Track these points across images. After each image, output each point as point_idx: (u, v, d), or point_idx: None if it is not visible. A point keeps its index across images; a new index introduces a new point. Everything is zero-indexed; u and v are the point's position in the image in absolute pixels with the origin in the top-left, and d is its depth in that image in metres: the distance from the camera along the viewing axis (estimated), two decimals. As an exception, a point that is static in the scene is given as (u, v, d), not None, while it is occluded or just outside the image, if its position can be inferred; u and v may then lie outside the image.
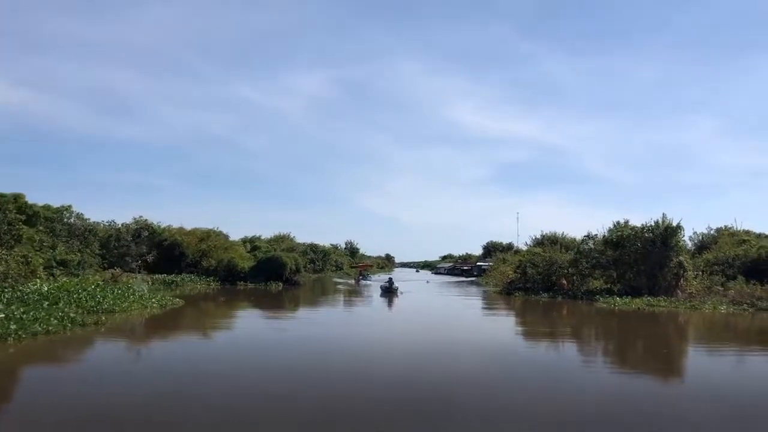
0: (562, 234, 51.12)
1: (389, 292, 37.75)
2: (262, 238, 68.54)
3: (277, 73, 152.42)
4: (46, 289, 21.32)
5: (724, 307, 26.39)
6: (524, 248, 50.90)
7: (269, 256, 46.88)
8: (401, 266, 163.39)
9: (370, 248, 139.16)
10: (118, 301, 21.59)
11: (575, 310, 27.85)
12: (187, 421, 8.05)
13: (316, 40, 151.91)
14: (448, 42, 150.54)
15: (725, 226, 45.24)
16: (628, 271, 32.82)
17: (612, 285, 33.98)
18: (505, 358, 14.32)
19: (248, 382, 10.71)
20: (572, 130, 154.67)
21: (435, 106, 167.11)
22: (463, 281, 67.12)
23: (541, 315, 26.70)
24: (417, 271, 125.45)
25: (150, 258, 43.90)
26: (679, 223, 32.28)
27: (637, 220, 34.11)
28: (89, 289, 23.20)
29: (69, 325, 16.15)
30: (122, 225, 45.74)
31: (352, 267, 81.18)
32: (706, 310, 26.07)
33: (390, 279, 42.47)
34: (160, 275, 40.26)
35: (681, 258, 31.68)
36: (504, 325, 23.84)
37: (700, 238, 45.05)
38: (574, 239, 44.52)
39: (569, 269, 35.97)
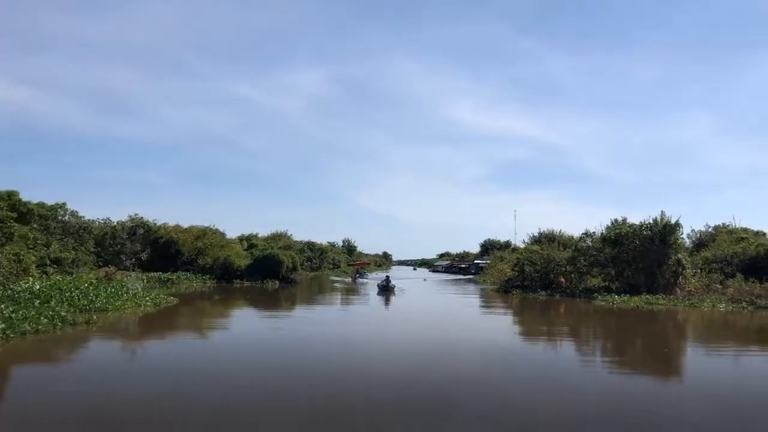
0: (560, 232, 50.93)
1: (386, 290, 37.58)
2: (260, 236, 68.35)
3: (276, 72, 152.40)
4: (37, 287, 21.01)
5: (723, 305, 26.25)
6: (522, 246, 50.77)
7: (266, 254, 46.62)
8: (399, 264, 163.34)
9: (367, 246, 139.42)
10: (111, 300, 21.31)
11: (573, 308, 27.68)
12: (173, 423, 7.82)
13: (316, 39, 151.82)
14: (447, 41, 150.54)
15: (723, 224, 45.18)
16: (627, 268, 32.66)
17: (610, 283, 33.82)
18: (504, 357, 14.14)
19: (242, 382, 10.47)
20: (571, 129, 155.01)
21: (434, 105, 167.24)
22: (460, 279, 66.98)
23: (539, 313, 26.53)
24: (414, 269, 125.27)
25: (144, 256, 43.62)
26: (677, 221, 32.18)
27: (636, 218, 34.04)
28: (82, 287, 22.88)
29: (59, 324, 15.88)
30: (118, 223, 45.48)
31: (349, 265, 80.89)
32: (705, 308, 25.92)
33: (387, 277, 42.24)
34: (155, 273, 39.99)
35: (680, 256, 31.53)
36: (502, 324, 23.65)
37: (698, 235, 44.98)
38: (572, 237, 44.38)
39: (567, 267, 35.79)
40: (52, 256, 30.67)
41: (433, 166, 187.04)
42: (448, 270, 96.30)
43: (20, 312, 15.94)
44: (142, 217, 47.43)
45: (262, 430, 7.76)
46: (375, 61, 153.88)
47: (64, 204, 36.88)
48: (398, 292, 37.28)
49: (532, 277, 37.25)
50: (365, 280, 55.74)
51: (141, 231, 45.80)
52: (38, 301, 18.31)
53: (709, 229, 45.23)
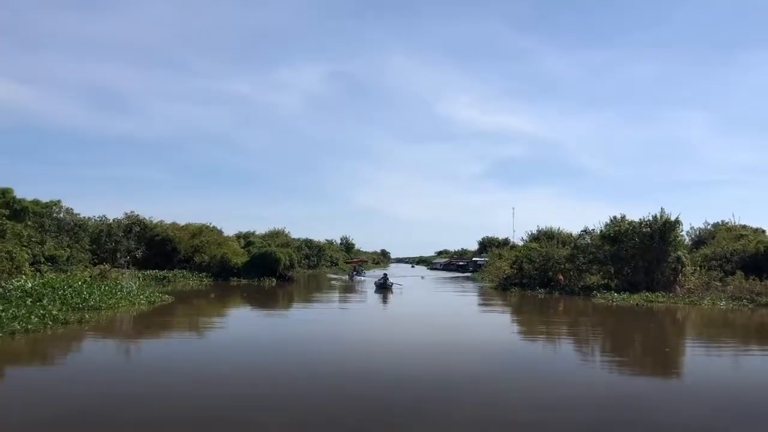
0: (559, 229, 50.83)
1: (384, 288, 37.34)
2: (257, 233, 68.12)
3: (273, 68, 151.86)
4: (30, 285, 20.68)
5: (723, 302, 26.06)
6: (520, 243, 50.65)
7: (263, 252, 46.39)
8: (397, 262, 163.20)
9: (365, 244, 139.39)
10: (105, 298, 21.05)
11: (572, 305, 27.48)
12: (166, 424, 7.58)
13: (312, 36, 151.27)
14: (446, 38, 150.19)
15: (722, 221, 45.02)
16: (626, 266, 32.43)
17: (609, 280, 33.59)
18: (503, 356, 13.93)
19: (237, 382, 10.24)
20: (568, 126, 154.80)
21: (432, 102, 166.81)
22: (458, 277, 66.79)
23: (538, 311, 26.33)
24: (412, 266, 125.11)
25: (140, 253, 43.30)
26: (677, 218, 31.89)
27: (635, 215, 33.67)
28: (75, 285, 22.57)
29: (50, 323, 15.63)
30: (113, 220, 45.12)
31: (347, 262, 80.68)
32: (705, 306, 25.73)
33: (385, 275, 41.93)
34: (151, 271, 39.70)
35: (679, 253, 31.31)
36: (501, 322, 23.44)
37: (697, 233, 44.78)
38: (571, 234, 44.21)
39: (566, 264, 35.57)
40: (46, 253, 30.34)
41: (432, 163, 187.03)
42: (446, 268, 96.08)
43: (10, 311, 15.67)
44: (138, 215, 47.17)
45: (258, 431, 7.60)
46: (373, 58, 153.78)
47: (58, 201, 36.55)
48: (396, 290, 37.04)
49: (531, 275, 37.02)
50: (362, 278, 55.23)
51: (137, 228, 45.46)
52: (30, 300, 18.03)
53: (709, 227, 45.05)
